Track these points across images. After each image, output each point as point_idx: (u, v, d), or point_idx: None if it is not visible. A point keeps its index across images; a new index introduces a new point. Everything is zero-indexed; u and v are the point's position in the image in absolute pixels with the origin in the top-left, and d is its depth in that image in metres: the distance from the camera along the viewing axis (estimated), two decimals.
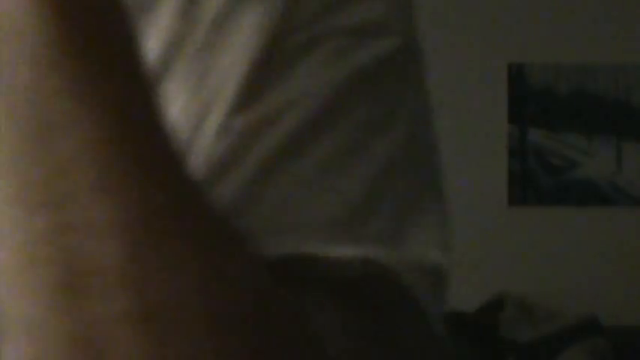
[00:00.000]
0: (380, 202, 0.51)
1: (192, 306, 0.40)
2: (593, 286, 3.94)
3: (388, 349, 0.48)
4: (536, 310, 3.83)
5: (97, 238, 0.39)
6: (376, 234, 0.50)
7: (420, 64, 0.63)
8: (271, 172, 0.49)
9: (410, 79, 0.61)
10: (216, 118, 0.51)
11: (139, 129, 0.41)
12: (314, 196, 0.49)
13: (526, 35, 4.01)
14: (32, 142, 0.39)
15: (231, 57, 0.51)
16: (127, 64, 0.41)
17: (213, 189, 0.48)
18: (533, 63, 4.00)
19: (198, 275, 0.40)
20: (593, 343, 3.45)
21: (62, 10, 0.39)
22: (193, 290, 0.40)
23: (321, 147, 0.50)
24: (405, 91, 0.59)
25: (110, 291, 0.39)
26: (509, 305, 3.76)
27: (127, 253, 0.39)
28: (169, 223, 0.40)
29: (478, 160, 4.03)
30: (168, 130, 0.42)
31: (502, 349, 3.56)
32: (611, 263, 3.95)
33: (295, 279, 0.46)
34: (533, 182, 3.99)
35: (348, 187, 0.50)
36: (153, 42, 0.52)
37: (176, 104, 0.51)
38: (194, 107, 0.51)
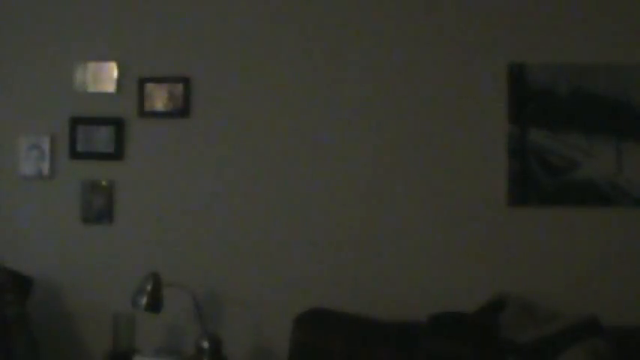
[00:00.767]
0: None
1: None
2: (593, 286, 3.95)
3: None
4: (536, 310, 3.83)
5: None
6: None
7: None
8: None
9: None
10: None
11: None
12: None
13: (526, 35, 4.01)
14: None
15: None
16: None
17: None
18: (533, 63, 4.00)
19: None
20: (593, 343, 3.46)
21: None
22: None
23: None
24: None
25: None
26: (509, 305, 3.76)
27: None
28: None
29: (478, 160, 4.03)
30: None
31: (502, 349, 3.56)
32: (611, 263, 3.95)
33: None
34: (533, 182, 3.99)
35: None
36: None
37: None
38: None
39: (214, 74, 4.17)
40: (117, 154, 4.20)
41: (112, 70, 4.21)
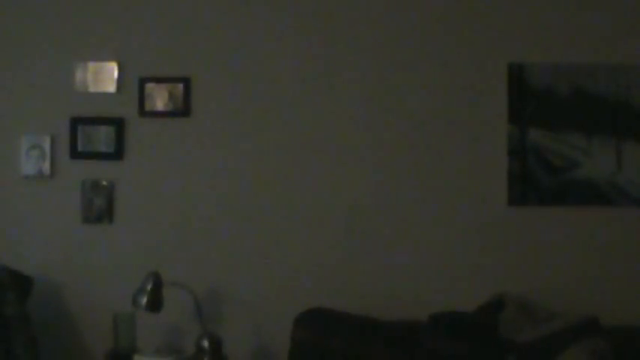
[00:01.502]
0: None
1: None
2: (593, 286, 3.95)
3: None
4: (536, 309, 3.83)
5: None
6: None
7: None
8: None
9: None
10: None
11: None
12: None
13: (526, 35, 4.02)
14: None
15: None
16: None
17: None
18: (533, 63, 4.00)
19: None
20: (593, 343, 3.45)
21: None
22: None
23: None
24: None
25: None
26: (509, 305, 3.76)
27: None
28: None
29: (478, 160, 4.03)
30: None
31: (502, 348, 3.56)
32: (611, 263, 3.95)
33: None
34: (533, 182, 3.99)
35: None
36: None
37: None
38: None
39: (214, 74, 4.17)
40: (117, 154, 4.20)
41: (113, 70, 4.21)
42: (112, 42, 4.22)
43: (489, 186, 4.02)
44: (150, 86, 4.19)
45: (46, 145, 4.23)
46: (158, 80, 4.18)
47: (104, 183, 4.22)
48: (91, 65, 4.22)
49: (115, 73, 4.21)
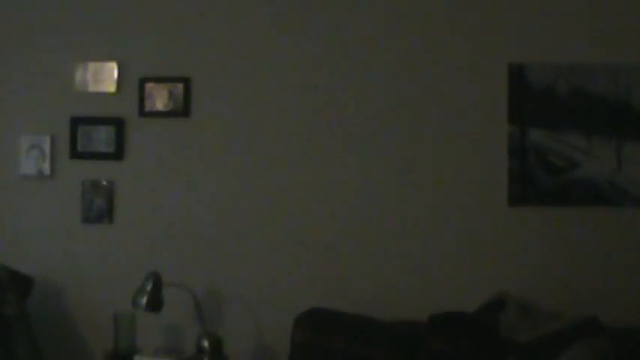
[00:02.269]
0: None
1: None
2: (593, 286, 3.95)
3: None
4: (536, 309, 3.83)
5: None
6: None
7: None
8: None
9: None
10: None
11: None
12: None
13: (526, 35, 4.02)
14: None
15: None
16: None
17: None
18: (533, 63, 4.00)
19: None
20: (593, 343, 3.45)
21: None
22: None
23: None
24: None
25: None
26: (509, 305, 3.76)
27: None
28: None
29: (478, 160, 4.03)
30: None
31: (502, 348, 3.56)
32: (611, 263, 3.95)
33: None
34: (533, 182, 3.99)
35: None
36: None
37: None
38: None
39: (214, 74, 4.17)
40: (117, 154, 4.20)
41: (112, 70, 4.21)
42: (112, 42, 4.22)
43: (489, 186, 4.02)
44: (150, 86, 4.19)
45: (46, 144, 4.23)
46: (158, 80, 4.18)
47: (104, 183, 4.22)
48: (91, 65, 4.22)
49: (115, 73, 4.21)
